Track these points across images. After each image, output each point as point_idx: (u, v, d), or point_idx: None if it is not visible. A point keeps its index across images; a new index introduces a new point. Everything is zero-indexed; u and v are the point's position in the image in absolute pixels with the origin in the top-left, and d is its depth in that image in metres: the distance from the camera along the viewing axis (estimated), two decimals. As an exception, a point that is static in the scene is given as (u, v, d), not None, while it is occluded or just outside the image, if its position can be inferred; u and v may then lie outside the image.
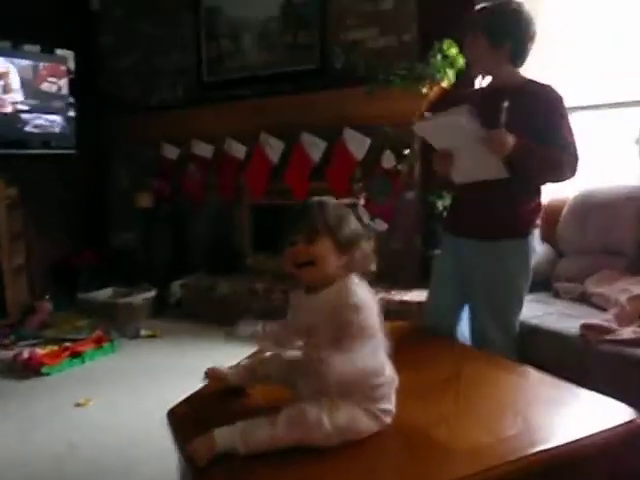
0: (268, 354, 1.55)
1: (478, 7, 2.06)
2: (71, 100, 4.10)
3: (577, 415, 1.41)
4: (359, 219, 1.33)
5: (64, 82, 4.07)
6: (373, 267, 1.34)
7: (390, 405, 1.29)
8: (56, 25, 4.25)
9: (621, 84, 3.19)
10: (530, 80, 2.01)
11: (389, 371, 1.30)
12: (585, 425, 1.33)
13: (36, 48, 3.95)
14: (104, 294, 4.11)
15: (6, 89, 3.78)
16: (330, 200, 1.33)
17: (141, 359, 3.25)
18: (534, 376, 1.62)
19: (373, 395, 1.26)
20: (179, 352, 3.33)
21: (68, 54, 4.07)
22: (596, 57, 3.38)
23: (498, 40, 1.95)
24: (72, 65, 4.09)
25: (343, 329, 1.21)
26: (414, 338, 1.97)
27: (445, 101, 2.24)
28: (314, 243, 1.26)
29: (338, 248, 1.27)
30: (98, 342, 3.31)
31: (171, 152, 4.41)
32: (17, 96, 3.85)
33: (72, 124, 4.11)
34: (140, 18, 4.61)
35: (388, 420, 1.27)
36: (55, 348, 3.23)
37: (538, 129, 1.87)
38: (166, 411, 1.53)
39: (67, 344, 3.28)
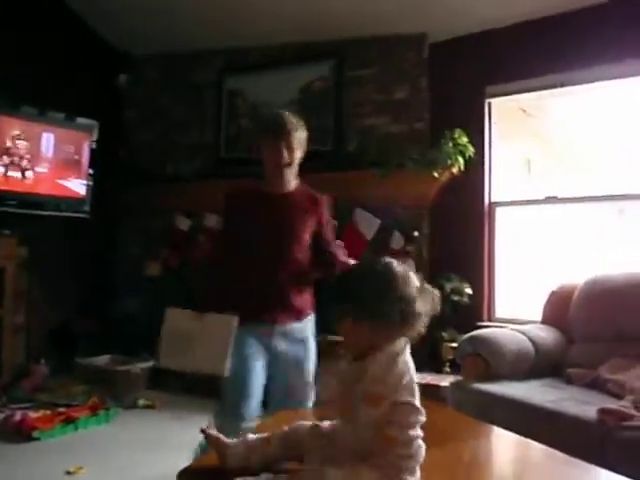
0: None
1: None
2: (90, 170, 4.21)
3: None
4: (390, 279, 1.30)
5: (86, 150, 4.21)
6: (421, 321, 1.24)
7: (413, 478, 1.23)
8: (84, 97, 4.45)
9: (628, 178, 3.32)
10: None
11: (419, 442, 1.25)
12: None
13: (61, 115, 4.11)
14: (102, 360, 4.01)
15: (31, 152, 3.90)
16: (361, 268, 1.31)
17: (137, 430, 3.13)
18: (561, 459, 1.56)
19: (399, 465, 1.21)
20: (176, 425, 3.22)
21: (93, 124, 4.24)
22: (599, 152, 3.52)
23: None
24: (95, 134, 4.25)
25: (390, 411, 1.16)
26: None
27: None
28: (340, 320, 1.25)
29: (359, 320, 1.22)
30: (93, 409, 3.20)
31: (183, 223, 4.47)
32: (38, 159, 3.96)
33: (89, 190, 4.20)
34: (164, 95, 4.84)
35: (411, 492, 1.21)
36: (48, 413, 3.13)
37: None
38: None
39: (61, 409, 3.17)
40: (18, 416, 3.01)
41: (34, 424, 2.93)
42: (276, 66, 4.30)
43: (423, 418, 1.23)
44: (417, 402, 1.20)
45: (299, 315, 2.18)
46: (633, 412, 2.00)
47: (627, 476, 1.81)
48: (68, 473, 2.50)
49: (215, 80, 4.57)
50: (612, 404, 2.10)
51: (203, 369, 2.14)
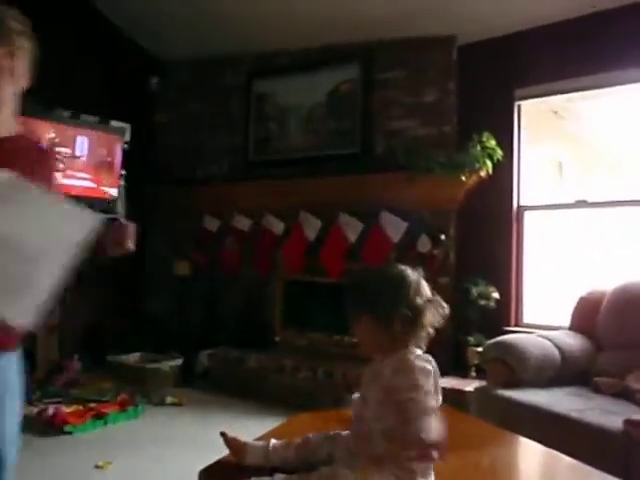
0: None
1: None
2: (122, 172, 4.31)
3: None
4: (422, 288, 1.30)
5: (118, 152, 4.31)
6: (426, 331, 1.29)
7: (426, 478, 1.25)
8: (117, 101, 4.57)
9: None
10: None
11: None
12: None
13: (95, 119, 4.22)
14: (132, 358, 4.11)
15: (65, 155, 4.02)
16: (375, 272, 1.34)
17: (164, 426, 3.20)
18: (584, 471, 1.55)
19: (411, 467, 1.23)
20: (203, 423, 3.27)
21: (125, 126, 4.34)
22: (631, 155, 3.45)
23: None
24: (127, 137, 4.34)
25: (403, 410, 1.18)
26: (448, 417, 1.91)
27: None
28: (356, 323, 1.30)
29: (378, 323, 1.27)
30: (122, 405, 3.28)
31: (212, 224, 4.55)
32: (72, 162, 4.08)
33: (121, 192, 4.30)
34: (194, 99, 4.92)
35: (424, 494, 1.22)
36: (80, 408, 3.22)
37: None
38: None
39: (92, 405, 3.27)
40: (51, 410, 3.11)
41: (66, 418, 3.02)
42: (304, 69, 4.33)
43: (436, 420, 1.23)
44: (431, 404, 1.20)
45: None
46: (660, 423, 1.96)
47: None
48: (97, 467, 2.57)
49: (244, 84, 4.62)
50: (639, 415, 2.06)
51: None
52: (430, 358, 1.29)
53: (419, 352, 1.28)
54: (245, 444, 1.46)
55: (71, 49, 4.32)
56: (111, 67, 4.66)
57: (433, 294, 1.32)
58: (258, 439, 1.56)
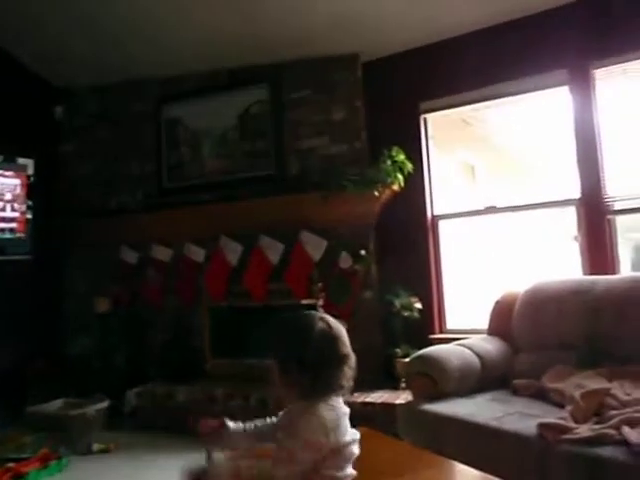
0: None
1: None
2: (29, 203, 4.11)
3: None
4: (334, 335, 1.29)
5: (22, 189, 4.10)
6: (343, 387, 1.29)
7: None
8: (18, 133, 4.35)
9: (556, 186, 3.42)
10: None
11: None
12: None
13: (-1, 157, 4.02)
14: (55, 406, 3.88)
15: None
16: (308, 322, 1.30)
17: (91, 479, 3.04)
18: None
19: None
20: (133, 467, 3.15)
21: (28, 162, 4.14)
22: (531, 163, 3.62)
23: None
24: (31, 172, 4.14)
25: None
26: (371, 443, 1.92)
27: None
28: (284, 376, 1.30)
29: (304, 377, 1.26)
30: (44, 461, 3.09)
31: (130, 256, 4.40)
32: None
33: (29, 230, 4.10)
34: (103, 127, 4.75)
35: None
36: (-4, 469, 3.01)
37: None
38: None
39: (10, 465, 3.05)
40: (-37, 477, 2.90)
41: (-20, 484, 2.82)
42: (212, 92, 4.29)
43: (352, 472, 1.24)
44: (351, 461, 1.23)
45: None
46: (571, 424, 2.05)
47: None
48: (16, 536, 2.41)
49: (153, 109, 4.51)
50: (553, 416, 2.14)
51: None
52: (339, 403, 1.28)
53: (332, 399, 1.28)
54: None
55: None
56: (11, 100, 4.42)
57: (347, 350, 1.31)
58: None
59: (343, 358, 1.29)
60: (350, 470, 1.29)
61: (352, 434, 1.30)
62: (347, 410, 1.31)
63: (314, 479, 1.24)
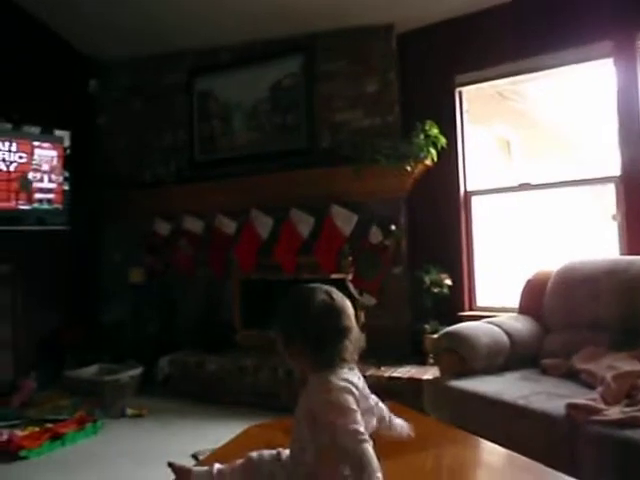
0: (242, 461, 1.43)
1: None
2: (66, 175, 4.20)
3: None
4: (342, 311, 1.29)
5: (59, 161, 4.19)
6: (352, 355, 1.29)
7: None
8: (55, 106, 4.43)
9: (594, 162, 3.31)
10: None
11: (364, 460, 1.26)
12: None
13: (36, 129, 4.09)
14: (90, 371, 4.03)
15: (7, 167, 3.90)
16: (310, 295, 1.29)
17: (125, 441, 3.15)
18: (517, 462, 1.58)
19: None
20: (165, 433, 3.24)
21: (64, 134, 4.21)
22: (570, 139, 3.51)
23: None
24: (67, 144, 4.22)
25: (332, 433, 1.19)
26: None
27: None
28: (288, 347, 1.29)
29: (307, 348, 1.27)
30: (80, 423, 3.22)
31: (163, 227, 4.47)
32: (16, 174, 3.95)
33: (66, 201, 4.19)
34: (136, 100, 4.80)
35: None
36: (36, 429, 3.14)
37: None
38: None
39: (48, 425, 3.19)
40: (5, 435, 3.03)
41: (21, 443, 2.94)
42: (245, 65, 4.26)
43: (365, 438, 1.23)
44: (357, 425, 1.20)
45: None
46: (601, 406, 2.02)
47: (596, 471, 1.84)
48: (54, 492, 2.52)
49: (185, 82, 4.52)
50: (582, 397, 2.11)
51: None
52: (353, 375, 1.28)
53: (344, 371, 1.28)
54: (190, 472, 1.44)
55: (3, 56, 4.15)
56: (48, 73, 4.49)
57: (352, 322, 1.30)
58: (202, 463, 1.56)
59: (344, 331, 1.28)
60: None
61: (369, 402, 1.30)
62: (359, 383, 1.28)
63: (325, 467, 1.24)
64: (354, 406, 1.21)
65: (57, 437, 3.05)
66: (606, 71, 3.25)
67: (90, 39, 4.60)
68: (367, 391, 1.33)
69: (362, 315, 3.76)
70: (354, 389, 1.24)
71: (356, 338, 1.30)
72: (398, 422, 1.49)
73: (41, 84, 4.40)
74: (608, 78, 3.23)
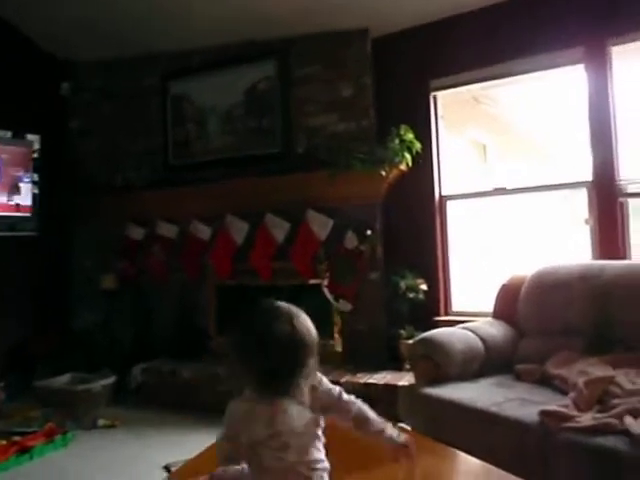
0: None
1: None
2: (35, 178, 4.10)
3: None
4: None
5: (29, 166, 4.09)
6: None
7: None
8: (26, 109, 4.32)
9: (567, 168, 3.33)
10: None
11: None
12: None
13: (8, 133, 3.99)
14: (62, 381, 3.92)
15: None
16: (272, 322, 1.23)
17: (96, 453, 3.07)
18: (488, 474, 1.57)
19: None
20: (138, 444, 3.17)
21: (35, 138, 4.12)
22: (543, 143, 3.54)
23: None
24: (37, 147, 4.13)
25: None
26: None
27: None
28: (234, 366, 1.29)
29: (253, 377, 1.27)
30: (49, 435, 3.13)
31: (136, 232, 4.40)
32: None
33: (35, 206, 4.10)
34: (109, 103, 4.71)
35: None
36: (2, 443, 3.04)
37: None
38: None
39: (16, 438, 3.09)
40: (-30, 450, 2.94)
41: (-13, 457, 2.86)
42: (219, 68, 4.22)
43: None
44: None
45: None
46: (574, 412, 2.02)
47: (568, 478, 1.84)
48: (20, 509, 2.44)
49: (159, 85, 4.46)
50: (555, 403, 2.11)
51: None
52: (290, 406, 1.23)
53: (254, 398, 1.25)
54: None
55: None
56: (18, 76, 4.38)
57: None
58: (173, 476, 1.52)
59: (296, 369, 1.21)
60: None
61: (268, 426, 1.21)
62: (280, 408, 1.22)
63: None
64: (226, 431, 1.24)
65: (25, 451, 2.96)
66: (577, 77, 3.28)
67: (62, 41, 4.50)
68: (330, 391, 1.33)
69: (339, 321, 3.75)
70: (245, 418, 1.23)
71: (308, 373, 1.24)
72: (388, 433, 1.40)
73: (11, 87, 4.29)
74: (579, 84, 3.26)
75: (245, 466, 1.37)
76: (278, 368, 1.20)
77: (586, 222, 3.21)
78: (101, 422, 3.47)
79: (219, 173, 4.10)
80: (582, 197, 3.25)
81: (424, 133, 3.63)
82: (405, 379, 3.20)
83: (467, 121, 4.50)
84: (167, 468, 2.77)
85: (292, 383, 1.22)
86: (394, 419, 2.70)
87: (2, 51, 4.27)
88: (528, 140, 4.82)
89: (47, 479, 2.75)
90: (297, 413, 1.23)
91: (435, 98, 3.75)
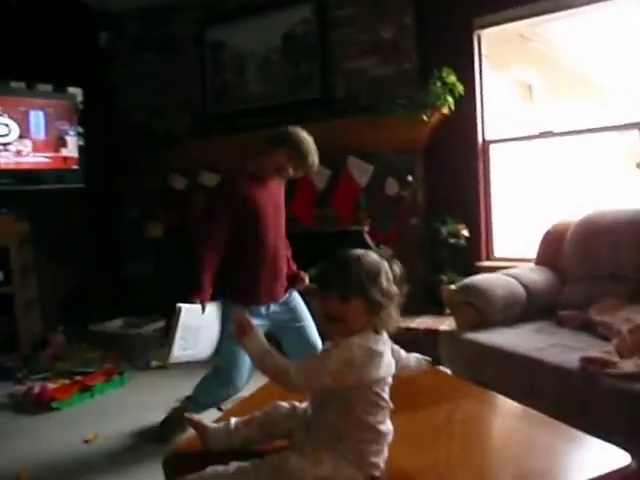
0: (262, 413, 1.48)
1: None
2: (80, 130, 4.18)
3: (572, 461, 1.41)
4: (393, 275, 1.30)
5: (74, 118, 4.17)
6: (393, 330, 1.33)
7: (379, 459, 1.28)
8: (66, 62, 4.36)
9: (619, 108, 3.18)
10: None
11: (385, 427, 1.30)
12: (580, 471, 1.32)
13: (49, 87, 4.06)
14: (115, 325, 4.15)
15: (22, 129, 3.90)
16: (369, 256, 1.30)
17: (150, 391, 3.27)
18: (529, 417, 1.60)
19: (362, 449, 1.26)
20: (189, 382, 3.30)
21: (77, 91, 4.18)
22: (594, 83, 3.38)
23: None
24: (80, 100, 4.19)
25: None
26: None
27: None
28: (347, 302, 1.26)
29: (368, 308, 1.26)
30: (108, 375, 3.34)
31: (179, 182, 4.47)
32: (30, 134, 3.96)
33: (82, 158, 4.20)
34: (147, 52, 4.71)
35: (376, 473, 1.27)
36: (66, 382, 3.28)
37: None
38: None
39: (78, 377, 3.32)
40: (37, 388, 3.17)
41: (52, 395, 3.08)
42: (255, 13, 4.13)
43: (386, 404, 1.28)
44: (383, 393, 1.28)
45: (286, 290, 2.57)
46: (615, 359, 2.02)
47: (609, 423, 1.86)
48: (86, 441, 2.64)
49: (195, 32, 4.42)
50: (597, 350, 2.12)
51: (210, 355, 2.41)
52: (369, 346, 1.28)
53: (381, 337, 1.31)
54: (207, 429, 1.49)
55: (6, 14, 4.07)
56: (56, 29, 4.41)
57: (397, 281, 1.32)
58: (219, 419, 1.61)
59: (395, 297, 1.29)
60: (384, 404, 1.29)
61: (386, 369, 1.29)
62: (383, 349, 1.29)
63: (350, 413, 1.27)
64: (329, 379, 1.24)
65: (86, 389, 3.18)
66: (634, 10, 3.08)
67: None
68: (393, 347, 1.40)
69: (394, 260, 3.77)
70: (362, 362, 1.25)
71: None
72: (413, 357, 1.57)
73: (50, 41, 4.32)
74: (635, 18, 3.07)
75: (296, 404, 1.45)
76: (386, 294, 1.28)
77: (637, 166, 3.10)
78: (154, 363, 3.66)
79: (259, 121, 4.09)
80: (635, 140, 3.12)
81: (467, 75, 3.52)
82: (446, 324, 3.24)
83: (513, 60, 4.31)
84: (218, 407, 2.93)
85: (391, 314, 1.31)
86: (435, 363, 2.78)
87: (38, 4, 4.28)
88: (579, 79, 4.59)
89: (108, 414, 2.95)
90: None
91: (479, 37, 3.60)
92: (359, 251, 1.31)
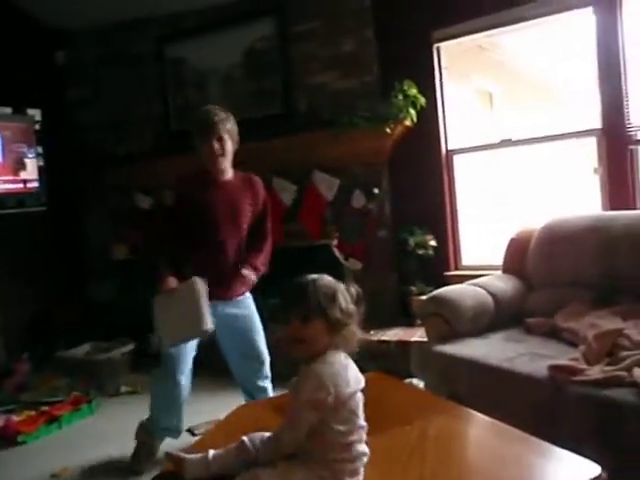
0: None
1: None
2: (39, 151, 4.09)
3: (543, 474, 1.41)
4: (349, 295, 1.35)
5: (33, 140, 4.08)
6: (356, 347, 1.36)
7: (354, 479, 1.29)
8: (23, 83, 4.27)
9: (576, 115, 3.26)
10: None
11: (361, 447, 1.30)
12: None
13: (8, 110, 3.96)
14: (82, 350, 4.04)
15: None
16: (324, 279, 1.35)
17: (121, 419, 3.18)
18: (501, 432, 1.61)
19: (336, 468, 1.27)
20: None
21: (35, 112, 4.09)
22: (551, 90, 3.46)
23: None
24: (39, 120, 4.10)
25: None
26: (380, 388, 1.95)
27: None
28: (308, 323, 1.30)
29: (328, 328, 1.31)
30: (76, 404, 3.25)
31: (143, 202, 4.41)
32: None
33: (42, 179, 4.10)
34: (105, 70, 4.63)
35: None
36: (32, 413, 3.17)
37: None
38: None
39: (44, 408, 3.22)
40: (1, 421, 3.06)
41: (18, 428, 2.97)
42: (215, 29, 4.11)
43: (361, 423, 1.30)
44: (358, 410, 1.30)
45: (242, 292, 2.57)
46: (583, 366, 2.05)
47: (579, 432, 1.89)
48: (54, 476, 2.56)
49: (155, 49, 4.37)
50: (565, 357, 2.15)
51: (193, 333, 2.42)
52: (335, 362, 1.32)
53: (342, 353, 1.34)
54: (185, 460, 1.47)
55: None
56: (11, 50, 4.30)
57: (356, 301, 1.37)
58: (195, 445, 1.59)
59: (354, 316, 1.34)
60: (359, 422, 1.31)
61: (355, 383, 1.31)
62: (347, 362, 1.33)
63: (324, 434, 1.27)
64: (312, 412, 1.26)
65: (53, 420, 3.09)
66: (586, 20, 3.17)
67: (52, 9, 4.39)
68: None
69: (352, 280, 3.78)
70: (334, 380, 1.27)
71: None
72: None
73: (6, 62, 4.22)
74: (588, 27, 3.15)
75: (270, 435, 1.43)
76: (344, 314, 1.33)
77: (595, 171, 3.17)
78: (124, 388, 3.58)
79: (222, 138, 4.05)
80: (591, 146, 3.20)
81: (428, 86, 3.56)
82: (417, 335, 3.25)
83: (472, 70, 4.39)
84: (191, 431, 2.88)
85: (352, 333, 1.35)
86: (407, 375, 2.79)
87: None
88: (536, 87, 4.70)
89: (77, 446, 2.87)
90: None
91: (438, 49, 3.65)
92: (314, 275, 1.36)
